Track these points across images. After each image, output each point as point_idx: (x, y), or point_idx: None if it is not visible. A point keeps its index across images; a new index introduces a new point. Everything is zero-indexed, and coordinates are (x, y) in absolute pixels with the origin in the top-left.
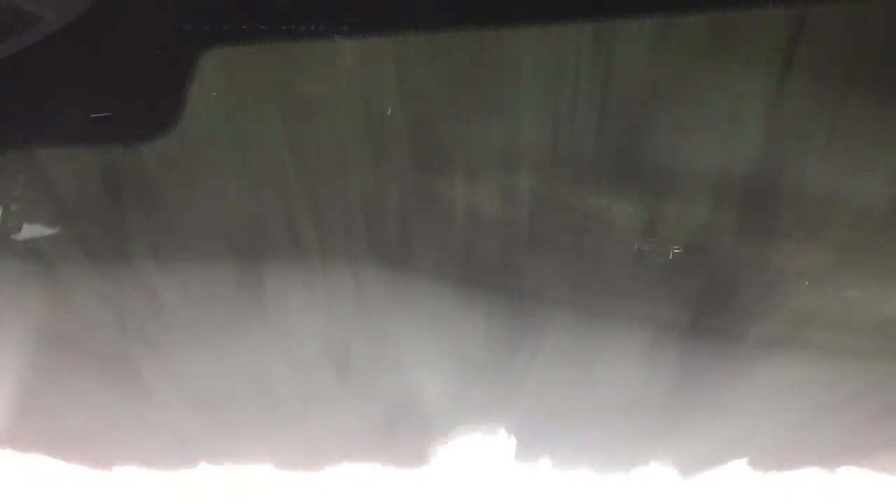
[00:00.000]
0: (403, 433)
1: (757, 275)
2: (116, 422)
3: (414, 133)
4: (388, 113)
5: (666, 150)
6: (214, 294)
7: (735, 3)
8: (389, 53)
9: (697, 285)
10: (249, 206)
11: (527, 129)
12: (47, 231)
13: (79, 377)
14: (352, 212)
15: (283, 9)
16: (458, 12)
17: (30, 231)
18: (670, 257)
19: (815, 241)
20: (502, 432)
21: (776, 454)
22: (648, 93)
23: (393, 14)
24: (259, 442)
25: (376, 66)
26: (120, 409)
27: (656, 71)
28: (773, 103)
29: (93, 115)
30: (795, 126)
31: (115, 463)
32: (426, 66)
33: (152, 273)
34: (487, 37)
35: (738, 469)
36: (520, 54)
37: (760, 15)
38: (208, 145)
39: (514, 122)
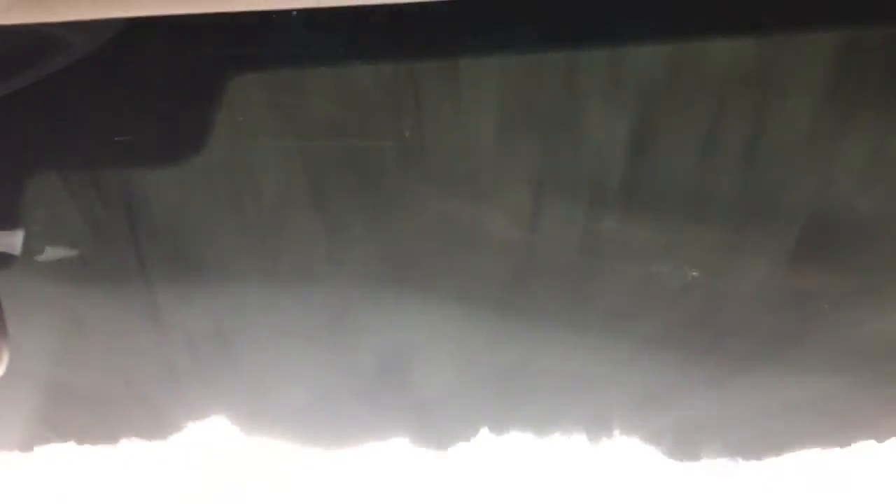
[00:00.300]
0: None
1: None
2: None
3: (433, 156)
4: (407, 135)
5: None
6: (237, 317)
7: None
8: (406, 77)
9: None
10: (268, 227)
11: (550, 153)
12: (68, 253)
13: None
14: (369, 231)
15: (303, 34)
16: (484, 40)
17: (51, 253)
18: (688, 281)
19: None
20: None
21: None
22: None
23: (411, 40)
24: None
25: (394, 89)
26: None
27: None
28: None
29: (115, 139)
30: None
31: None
32: (445, 90)
33: (170, 295)
34: (510, 63)
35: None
36: (542, 80)
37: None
38: (230, 167)
39: (537, 147)
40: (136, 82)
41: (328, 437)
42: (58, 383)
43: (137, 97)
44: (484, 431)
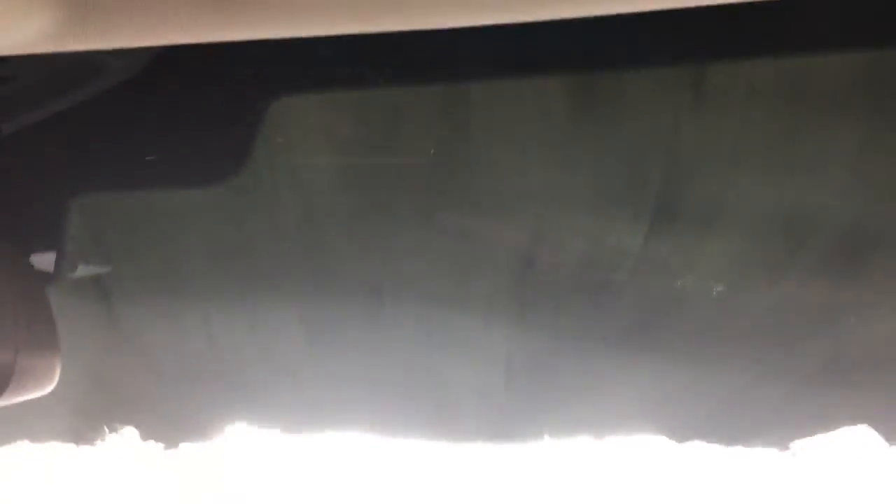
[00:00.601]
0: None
1: None
2: None
3: (457, 173)
4: (432, 153)
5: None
6: (280, 331)
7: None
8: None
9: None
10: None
11: (571, 169)
12: (102, 270)
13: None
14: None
15: (334, 55)
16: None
17: (84, 270)
18: (714, 295)
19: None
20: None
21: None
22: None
23: (433, 61)
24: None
25: (419, 110)
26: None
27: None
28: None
29: (147, 158)
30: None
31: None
32: (466, 111)
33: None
34: (525, 85)
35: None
36: (568, 102)
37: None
38: (266, 188)
39: (557, 163)
40: (172, 105)
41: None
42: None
43: (174, 120)
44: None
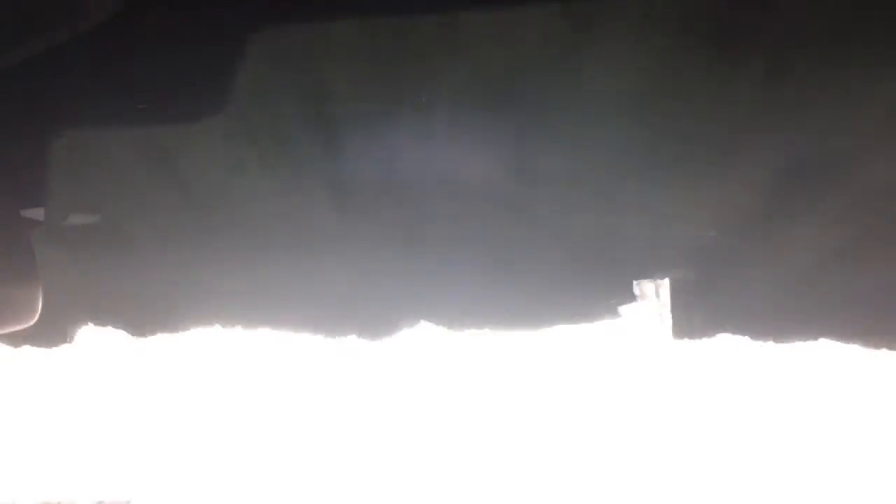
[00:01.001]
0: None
1: None
2: None
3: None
4: (424, 101)
5: None
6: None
7: None
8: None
9: None
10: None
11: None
12: (90, 219)
13: None
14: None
15: None
16: None
17: (74, 219)
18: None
19: None
20: None
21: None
22: None
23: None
24: None
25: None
26: None
27: None
28: None
29: (138, 107)
30: None
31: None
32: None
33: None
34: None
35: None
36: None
37: None
38: (244, 134)
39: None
40: (153, 48)
41: None
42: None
43: (156, 62)
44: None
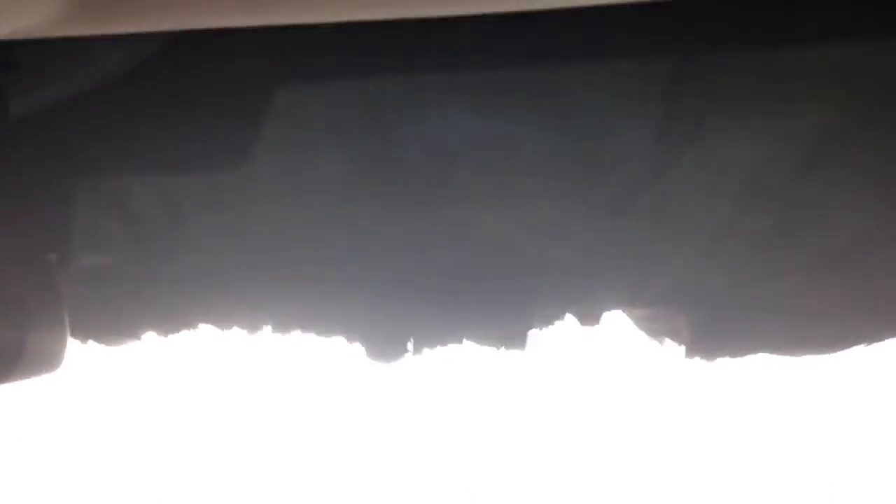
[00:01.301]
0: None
1: None
2: None
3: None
4: None
5: None
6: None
7: None
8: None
9: None
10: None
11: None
12: (103, 260)
13: None
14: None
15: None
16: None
17: (90, 259)
18: None
19: None
20: None
21: None
22: None
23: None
24: None
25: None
26: None
27: None
28: None
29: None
30: None
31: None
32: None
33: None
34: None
35: None
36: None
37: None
38: (273, 182)
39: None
40: (178, 97)
41: None
42: None
43: (179, 112)
44: None
